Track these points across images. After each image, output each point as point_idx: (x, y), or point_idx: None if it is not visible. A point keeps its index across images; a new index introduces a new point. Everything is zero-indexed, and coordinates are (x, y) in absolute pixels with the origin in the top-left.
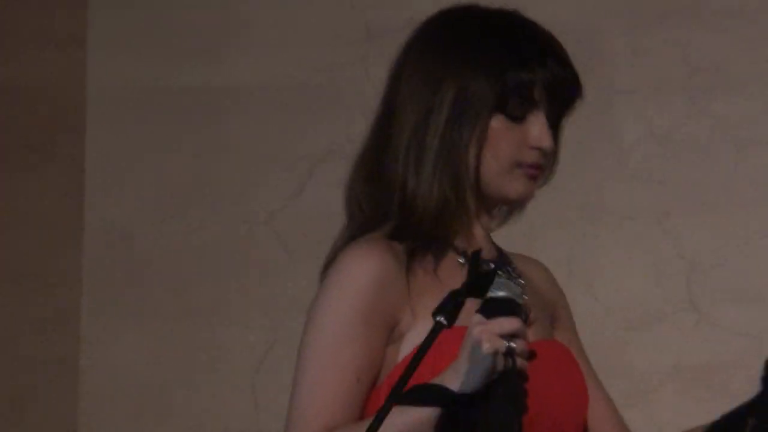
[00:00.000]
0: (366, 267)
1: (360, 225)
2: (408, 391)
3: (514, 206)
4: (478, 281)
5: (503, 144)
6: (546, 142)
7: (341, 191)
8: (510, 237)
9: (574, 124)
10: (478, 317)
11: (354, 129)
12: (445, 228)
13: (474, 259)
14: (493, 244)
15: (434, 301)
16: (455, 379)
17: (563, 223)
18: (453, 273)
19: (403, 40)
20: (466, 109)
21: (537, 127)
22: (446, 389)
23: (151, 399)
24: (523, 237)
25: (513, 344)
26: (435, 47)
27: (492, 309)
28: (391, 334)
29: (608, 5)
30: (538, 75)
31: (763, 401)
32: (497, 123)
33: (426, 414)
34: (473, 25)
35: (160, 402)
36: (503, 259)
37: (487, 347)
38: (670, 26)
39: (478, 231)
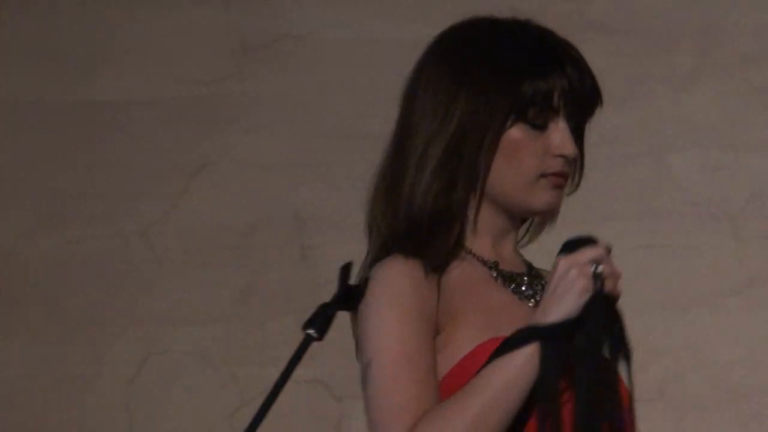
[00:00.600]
0: (403, 277)
1: (379, 247)
2: (503, 342)
3: (543, 218)
4: (348, 293)
5: (526, 155)
6: (569, 149)
7: (216, 204)
8: None
9: None
10: (559, 257)
11: (230, 143)
12: (444, 239)
13: (343, 272)
14: (523, 258)
15: (471, 314)
16: (548, 314)
17: None
18: (482, 282)
19: (418, 58)
20: (477, 119)
21: (558, 134)
22: (541, 325)
23: (28, 418)
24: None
25: (599, 269)
26: (450, 60)
27: (573, 246)
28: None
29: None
30: (556, 82)
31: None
32: (518, 132)
33: (526, 354)
34: (487, 35)
35: (36, 420)
36: (532, 273)
37: (574, 273)
38: None
39: (506, 245)
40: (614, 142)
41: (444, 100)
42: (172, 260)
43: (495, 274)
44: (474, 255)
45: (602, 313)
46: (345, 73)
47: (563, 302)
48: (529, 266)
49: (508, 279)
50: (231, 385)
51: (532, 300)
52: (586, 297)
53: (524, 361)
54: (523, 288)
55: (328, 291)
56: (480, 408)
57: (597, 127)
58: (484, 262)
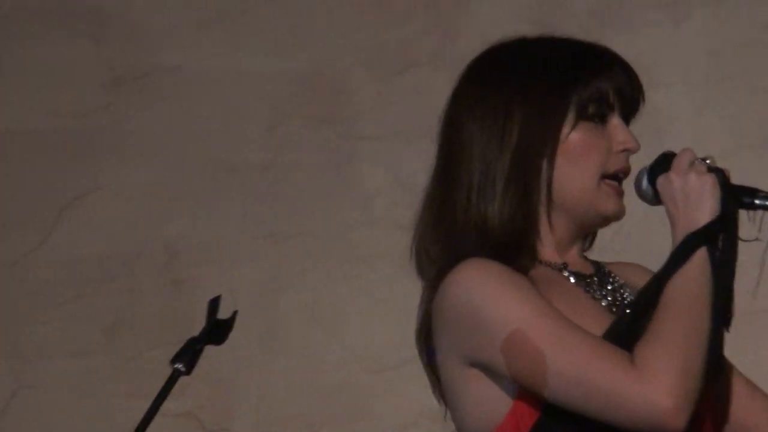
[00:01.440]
0: (496, 264)
1: (441, 267)
2: (669, 259)
3: (606, 223)
4: (217, 327)
5: (593, 152)
6: (633, 143)
7: (88, 236)
8: (254, 283)
9: (319, 171)
10: (662, 176)
11: (102, 174)
12: (521, 244)
13: (211, 306)
14: (590, 260)
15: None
16: (696, 218)
17: (309, 269)
18: (557, 283)
19: (453, 88)
20: (538, 124)
21: (620, 129)
22: (698, 230)
23: None
24: (271, 281)
25: (709, 162)
26: (496, 78)
27: (662, 164)
28: None
29: (352, 52)
30: (609, 80)
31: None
32: (581, 131)
33: (699, 262)
34: (530, 49)
35: None
36: (601, 272)
37: (693, 176)
38: (414, 73)
39: (572, 250)
40: None
41: (497, 118)
42: (43, 292)
43: (566, 274)
44: (542, 262)
45: (739, 196)
46: (216, 105)
47: (703, 203)
48: (597, 266)
49: (580, 278)
50: (102, 419)
51: (604, 301)
52: (719, 190)
53: (700, 270)
54: (594, 288)
55: (199, 324)
56: (683, 325)
57: None
58: (552, 265)
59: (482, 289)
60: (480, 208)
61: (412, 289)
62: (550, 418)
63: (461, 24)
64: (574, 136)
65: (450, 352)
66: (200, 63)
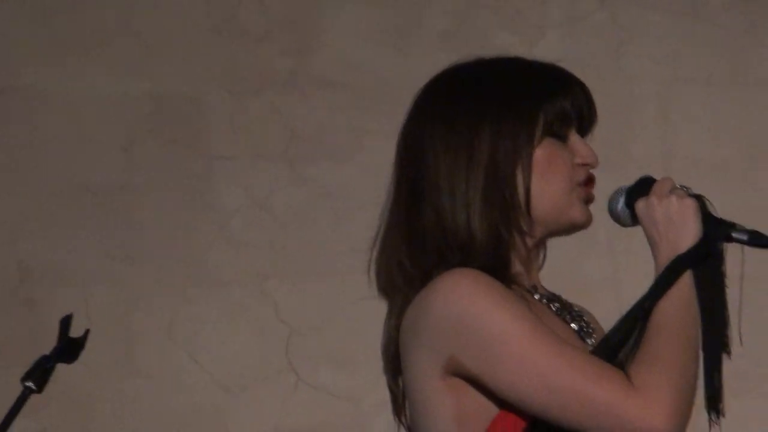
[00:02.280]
0: (483, 275)
1: (419, 279)
2: (656, 282)
3: (574, 231)
4: (68, 345)
5: (560, 165)
6: (594, 157)
7: None
8: (110, 304)
9: (175, 191)
10: (641, 201)
11: None
12: (504, 262)
13: (63, 324)
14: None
15: None
16: (680, 242)
17: (165, 289)
18: (533, 305)
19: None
20: (508, 141)
21: (581, 144)
22: (684, 254)
23: None
24: (127, 301)
25: (689, 189)
26: (459, 95)
27: (641, 188)
28: None
29: (207, 73)
30: (570, 98)
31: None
32: (547, 146)
33: (685, 286)
34: (491, 68)
35: None
36: (559, 299)
37: (674, 200)
38: (269, 94)
39: (534, 266)
40: (339, 195)
41: (465, 135)
42: None
43: (537, 297)
44: (515, 281)
45: (718, 220)
46: (71, 125)
47: (687, 226)
48: (552, 293)
49: (549, 301)
50: None
51: (574, 325)
52: (699, 214)
53: (689, 293)
54: (563, 312)
55: (52, 343)
56: (678, 348)
57: (320, 180)
58: (524, 287)
59: (476, 298)
60: (462, 222)
61: (268, 309)
62: (539, 427)
63: (316, 45)
64: (540, 152)
65: (430, 362)
66: (54, 83)
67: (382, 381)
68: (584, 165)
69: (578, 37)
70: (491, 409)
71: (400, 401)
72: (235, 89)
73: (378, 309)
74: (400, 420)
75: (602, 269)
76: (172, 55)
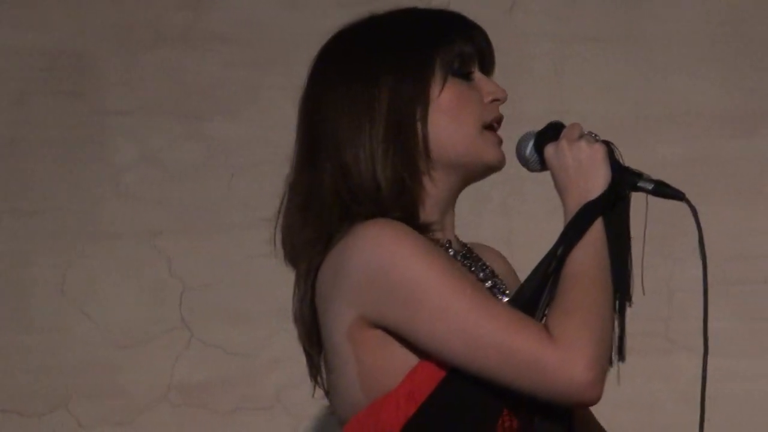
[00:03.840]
0: (402, 225)
1: (330, 232)
2: (568, 228)
3: (485, 175)
4: None
5: (468, 104)
6: (502, 92)
7: None
8: (1, 258)
9: (67, 145)
10: (551, 145)
11: None
12: (411, 211)
13: None
14: (459, 240)
15: None
16: (591, 187)
17: (57, 244)
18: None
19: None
20: (406, 88)
21: (487, 81)
22: (594, 200)
23: None
24: (18, 256)
25: (595, 135)
26: (357, 52)
27: (551, 132)
28: None
29: (100, 27)
30: (469, 41)
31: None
32: (453, 87)
33: (596, 232)
34: (385, 21)
35: None
36: (473, 254)
37: (584, 144)
38: (163, 49)
39: (449, 220)
40: (231, 151)
41: (364, 90)
42: None
43: (452, 253)
44: (428, 231)
45: (625, 168)
46: None
47: (597, 171)
48: (466, 247)
49: (462, 258)
50: None
51: (488, 282)
52: (608, 160)
53: (601, 241)
54: (476, 269)
55: None
56: (594, 296)
57: (214, 136)
58: (439, 243)
59: (396, 248)
60: (363, 177)
61: (161, 265)
62: (458, 376)
63: (212, 0)
64: (446, 94)
65: (350, 313)
66: None
67: (275, 337)
68: (493, 101)
69: None
70: (412, 360)
71: (316, 363)
72: (129, 44)
73: (271, 265)
74: (316, 381)
75: (496, 228)
76: (66, 9)
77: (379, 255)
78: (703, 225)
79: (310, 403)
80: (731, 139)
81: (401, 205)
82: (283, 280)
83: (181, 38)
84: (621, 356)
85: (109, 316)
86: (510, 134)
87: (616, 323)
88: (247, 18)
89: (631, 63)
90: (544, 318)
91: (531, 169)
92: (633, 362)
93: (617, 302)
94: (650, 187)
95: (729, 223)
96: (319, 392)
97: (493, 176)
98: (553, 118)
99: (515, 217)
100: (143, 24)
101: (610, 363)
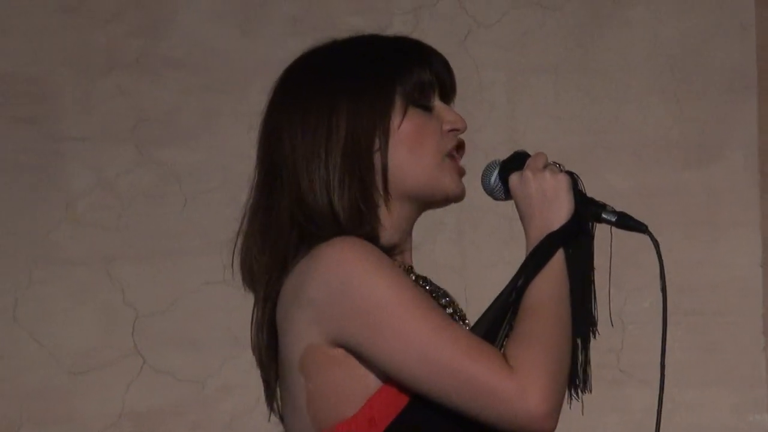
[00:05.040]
0: (366, 244)
1: (287, 251)
2: (529, 259)
3: (445, 204)
4: None
5: (428, 136)
6: (462, 122)
7: None
8: None
9: (22, 171)
10: (515, 174)
11: None
12: (371, 237)
13: None
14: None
15: None
16: (554, 218)
17: (10, 270)
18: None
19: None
20: (365, 118)
21: (447, 111)
22: (557, 231)
23: None
24: None
25: (560, 166)
26: (316, 79)
27: (515, 162)
28: None
29: (55, 53)
30: (429, 68)
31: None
32: (413, 117)
33: (557, 263)
34: (346, 48)
35: None
36: (424, 278)
37: (548, 175)
38: (118, 75)
39: (407, 246)
40: (185, 178)
41: (321, 117)
42: None
43: (413, 277)
44: (392, 256)
45: (589, 199)
46: None
47: (559, 202)
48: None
49: (423, 282)
50: None
51: (448, 308)
52: (571, 191)
53: (561, 272)
54: (437, 295)
55: None
56: (554, 328)
57: (168, 163)
58: (401, 267)
59: (359, 265)
60: (319, 205)
61: (115, 292)
62: (421, 404)
63: (165, 26)
64: (406, 125)
65: (309, 333)
66: None
67: (227, 365)
68: (452, 131)
69: (427, 24)
70: (374, 383)
71: (273, 388)
72: (84, 69)
73: (224, 293)
74: (271, 408)
75: (449, 255)
76: (21, 34)
77: (342, 272)
78: (653, 256)
79: (263, 430)
80: (682, 169)
81: (361, 230)
82: (235, 307)
83: (136, 64)
84: (586, 387)
85: (62, 343)
86: (464, 163)
87: (581, 354)
88: (201, 44)
89: (584, 93)
90: (503, 348)
91: (496, 198)
92: (588, 394)
93: (582, 333)
94: (613, 219)
95: (679, 254)
96: (275, 419)
97: (450, 205)
98: (506, 147)
99: (468, 245)
100: (98, 50)
101: (576, 394)
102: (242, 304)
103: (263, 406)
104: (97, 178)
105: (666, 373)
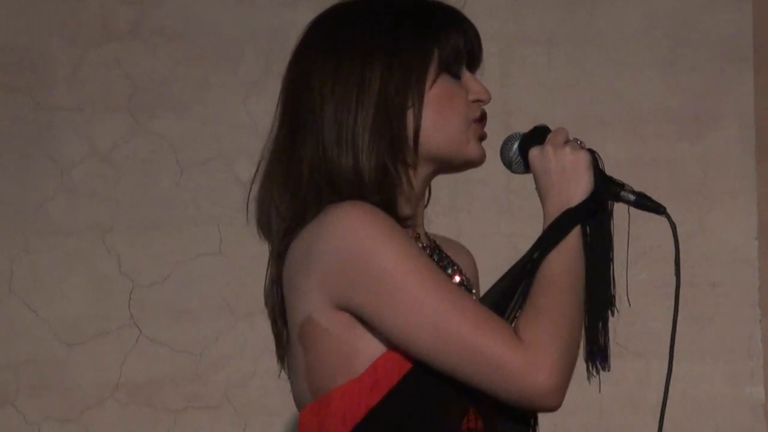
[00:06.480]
0: (377, 210)
1: (295, 214)
2: (546, 233)
3: (467, 169)
4: None
5: (455, 100)
6: (487, 93)
7: None
8: None
9: (15, 140)
10: (535, 149)
11: None
12: (391, 201)
13: None
14: (426, 233)
15: None
16: (573, 193)
17: (5, 239)
18: None
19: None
20: (401, 76)
21: (474, 82)
22: (575, 207)
23: None
24: None
25: (580, 141)
26: (348, 32)
27: (536, 135)
28: None
29: (48, 23)
30: (463, 37)
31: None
32: (444, 83)
33: (574, 239)
34: (379, 5)
35: None
36: (439, 249)
37: (568, 151)
38: (111, 45)
39: (420, 212)
40: (179, 148)
41: (356, 65)
42: None
43: (421, 246)
44: (403, 225)
45: (608, 178)
46: None
47: (579, 179)
48: (432, 241)
49: (431, 251)
50: None
51: (455, 277)
52: (591, 168)
53: (578, 248)
54: (444, 264)
55: None
56: (567, 303)
57: (162, 133)
58: (410, 234)
59: (371, 233)
60: (342, 160)
61: (110, 262)
62: (425, 370)
63: None
64: (437, 88)
65: (319, 294)
66: None
67: (222, 335)
68: (478, 101)
69: None
70: (377, 348)
71: (284, 344)
72: (77, 40)
73: (219, 263)
74: (283, 362)
75: (444, 229)
76: (13, 4)
77: (353, 238)
78: (648, 228)
79: (258, 401)
80: (676, 141)
81: (381, 194)
82: (231, 278)
83: (129, 34)
84: (606, 365)
85: (57, 313)
86: None
87: (601, 333)
88: (194, 14)
89: (577, 65)
90: (513, 321)
91: (513, 171)
92: (580, 366)
93: (602, 312)
94: (632, 198)
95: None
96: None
97: (441, 177)
98: (499, 119)
99: (464, 218)
100: (91, 20)
101: (597, 371)
102: (237, 275)
103: (259, 377)
104: (91, 148)
105: (655, 344)
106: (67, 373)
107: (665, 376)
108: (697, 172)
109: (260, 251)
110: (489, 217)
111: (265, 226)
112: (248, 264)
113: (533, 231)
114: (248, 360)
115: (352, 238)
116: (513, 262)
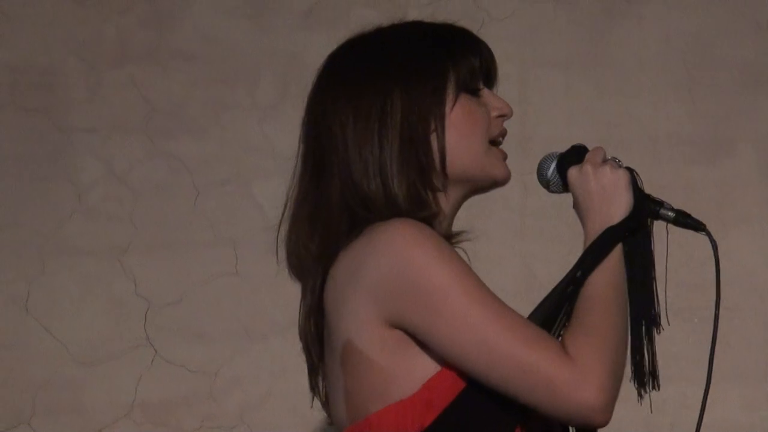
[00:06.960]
0: (425, 227)
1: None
2: (589, 252)
3: (494, 188)
4: None
5: (477, 119)
6: (509, 107)
7: None
8: None
9: (33, 162)
10: (574, 168)
11: None
12: (427, 222)
13: None
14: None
15: None
16: (614, 212)
17: (21, 261)
18: None
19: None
20: (420, 102)
21: (494, 97)
22: (616, 225)
23: None
24: None
25: (619, 161)
26: (365, 65)
27: (575, 155)
28: None
29: (66, 44)
30: (478, 56)
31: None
32: (464, 103)
33: (615, 258)
34: (393, 34)
35: None
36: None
37: (608, 170)
38: (128, 66)
39: (452, 234)
40: (196, 170)
41: (375, 101)
42: None
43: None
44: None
45: (647, 196)
46: None
47: (619, 197)
48: None
49: None
50: None
51: None
52: (631, 187)
53: (620, 266)
54: None
55: None
56: (612, 321)
57: (178, 155)
58: None
59: (421, 249)
60: (372, 191)
61: (126, 283)
62: (478, 389)
63: (176, 18)
64: (458, 109)
65: (370, 311)
66: None
67: (237, 356)
68: (500, 117)
69: (439, 16)
70: (429, 367)
71: (317, 373)
72: (95, 61)
73: (235, 285)
74: (314, 392)
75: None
76: (32, 25)
77: (404, 253)
78: (664, 251)
79: (273, 422)
80: (693, 164)
81: (419, 214)
82: (247, 299)
83: (146, 56)
84: (655, 383)
85: (73, 333)
86: None
87: (647, 351)
88: (211, 36)
89: (595, 88)
90: (559, 338)
91: (551, 191)
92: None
93: (647, 330)
94: (672, 216)
95: (690, 250)
96: (317, 406)
97: None
98: (517, 141)
99: (479, 239)
100: (109, 41)
101: (645, 391)
102: (253, 296)
103: (274, 398)
104: (108, 170)
105: (672, 368)
106: (82, 393)
107: (701, 399)
108: (713, 196)
109: (276, 272)
110: (504, 238)
111: (296, 266)
112: (264, 285)
113: (547, 252)
114: (263, 381)
115: (403, 252)
116: (527, 283)
